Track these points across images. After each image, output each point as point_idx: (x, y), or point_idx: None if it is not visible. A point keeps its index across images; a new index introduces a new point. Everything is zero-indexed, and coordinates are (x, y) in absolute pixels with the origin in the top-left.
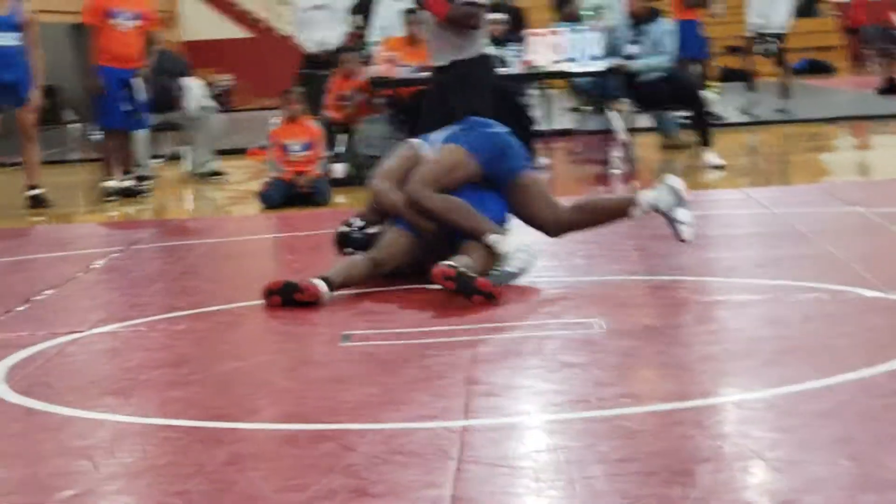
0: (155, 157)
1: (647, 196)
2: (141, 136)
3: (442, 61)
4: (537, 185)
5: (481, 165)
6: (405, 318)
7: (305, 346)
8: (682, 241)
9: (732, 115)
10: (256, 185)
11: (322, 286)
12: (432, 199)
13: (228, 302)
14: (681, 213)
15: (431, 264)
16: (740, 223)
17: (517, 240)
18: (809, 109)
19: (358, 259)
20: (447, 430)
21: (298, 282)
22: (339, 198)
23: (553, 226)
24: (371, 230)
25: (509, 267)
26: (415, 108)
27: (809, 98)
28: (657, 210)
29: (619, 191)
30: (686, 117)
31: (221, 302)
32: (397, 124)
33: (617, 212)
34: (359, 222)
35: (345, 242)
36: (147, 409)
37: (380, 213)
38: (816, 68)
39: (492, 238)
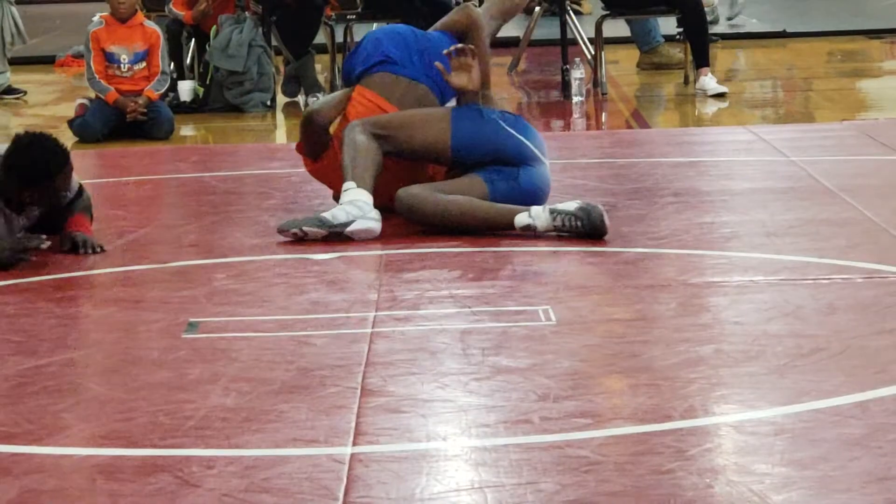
0: None
1: None
2: None
3: None
4: None
5: None
6: (275, 299)
7: (133, 337)
8: None
9: (740, 23)
10: (68, 110)
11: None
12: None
13: (22, 274)
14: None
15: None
16: (745, 175)
17: (360, 195)
18: (842, 18)
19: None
20: (330, 460)
21: None
22: (186, 129)
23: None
24: None
25: (327, 214)
26: (294, 8)
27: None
28: None
29: (576, 124)
30: (677, 24)
31: (12, 274)
32: (270, 29)
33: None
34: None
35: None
36: None
37: None
38: None
39: (346, 183)
